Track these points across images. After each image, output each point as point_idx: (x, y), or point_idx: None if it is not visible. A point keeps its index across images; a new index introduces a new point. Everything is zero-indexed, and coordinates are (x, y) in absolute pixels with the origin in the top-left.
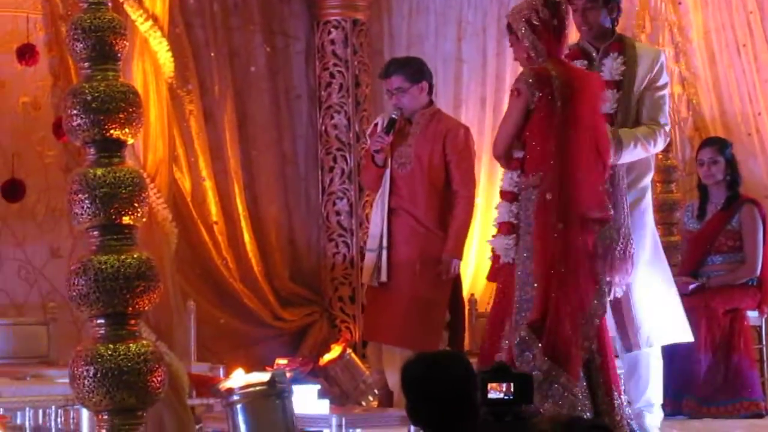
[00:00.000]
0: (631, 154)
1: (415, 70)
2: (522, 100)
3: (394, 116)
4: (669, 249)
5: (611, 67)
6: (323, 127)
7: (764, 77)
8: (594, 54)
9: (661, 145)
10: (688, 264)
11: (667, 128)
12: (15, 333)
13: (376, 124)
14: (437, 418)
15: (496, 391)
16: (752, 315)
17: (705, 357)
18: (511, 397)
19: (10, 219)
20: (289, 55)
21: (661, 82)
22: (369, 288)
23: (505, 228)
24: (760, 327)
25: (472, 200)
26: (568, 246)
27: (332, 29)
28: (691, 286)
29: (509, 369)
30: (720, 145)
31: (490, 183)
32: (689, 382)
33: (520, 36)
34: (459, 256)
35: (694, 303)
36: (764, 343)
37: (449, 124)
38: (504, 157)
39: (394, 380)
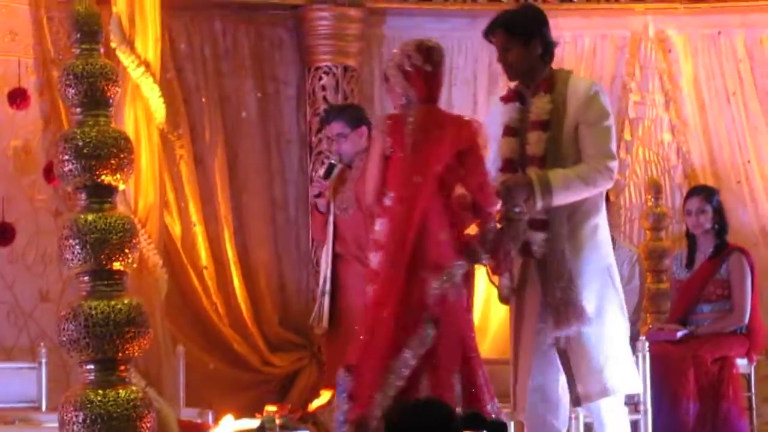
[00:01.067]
0: (566, 196)
1: (354, 116)
2: (377, 147)
3: (332, 162)
4: (658, 297)
5: (538, 107)
6: (314, 172)
7: (754, 125)
8: (526, 94)
9: (603, 182)
10: (677, 312)
11: (611, 163)
12: (4, 376)
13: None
14: None
15: None
16: (741, 363)
17: (693, 406)
18: None
19: None
20: (279, 101)
21: (595, 116)
22: (324, 334)
23: None
24: (749, 375)
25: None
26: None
27: (323, 75)
28: (680, 333)
29: (483, 417)
30: (707, 194)
31: None
32: (677, 431)
33: (392, 82)
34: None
35: (682, 351)
36: (753, 391)
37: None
38: (375, 205)
39: None
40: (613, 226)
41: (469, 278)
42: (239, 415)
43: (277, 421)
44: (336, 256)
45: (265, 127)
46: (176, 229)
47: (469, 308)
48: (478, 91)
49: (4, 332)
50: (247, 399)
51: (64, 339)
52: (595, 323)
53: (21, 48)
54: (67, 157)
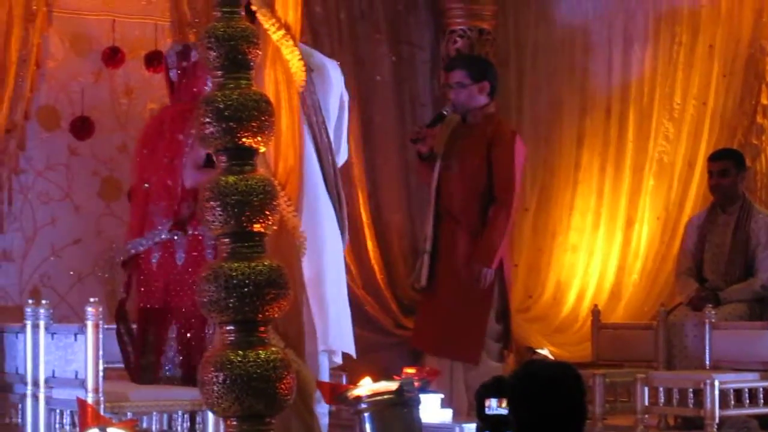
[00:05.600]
0: None
1: (480, 69)
2: None
3: (444, 112)
4: None
5: None
6: None
7: None
8: None
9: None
10: None
11: None
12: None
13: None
14: (554, 430)
15: (494, 407)
16: None
17: None
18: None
19: None
20: (414, 65)
21: None
22: (421, 293)
23: None
24: None
25: (509, 207)
26: None
27: (458, 38)
28: None
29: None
30: None
31: (614, 194)
32: None
33: None
34: (489, 264)
35: None
36: None
37: (499, 129)
38: None
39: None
40: (749, 191)
41: None
42: (375, 377)
43: (416, 384)
44: (438, 215)
45: (399, 91)
46: None
47: None
48: (612, 55)
49: None
50: (378, 361)
51: (205, 300)
52: None
53: (158, 11)
54: (208, 120)
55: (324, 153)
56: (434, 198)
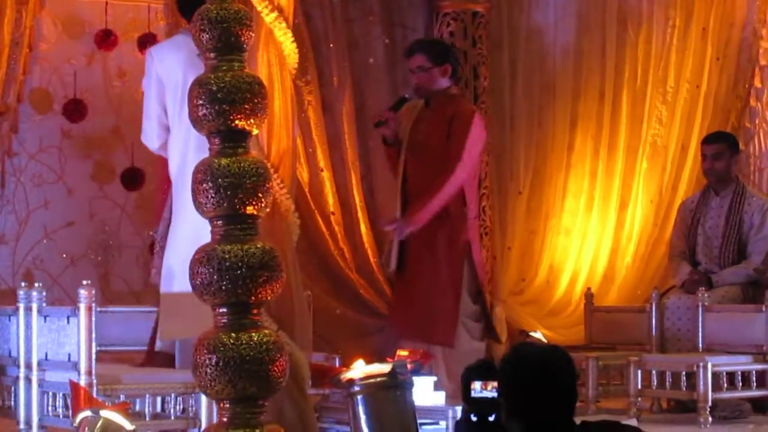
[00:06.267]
0: None
1: (440, 52)
2: None
3: (406, 96)
4: None
5: None
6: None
7: None
8: None
9: None
10: None
11: None
12: (136, 320)
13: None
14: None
15: (479, 389)
16: None
17: None
18: (497, 395)
19: (128, 207)
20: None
21: None
22: (393, 277)
23: None
24: None
25: (449, 175)
26: None
27: (451, 21)
28: None
29: (494, 366)
30: None
31: (608, 177)
32: None
33: None
34: (410, 221)
35: None
36: None
37: (459, 107)
38: None
39: None
40: (743, 174)
41: None
42: (368, 360)
43: (409, 366)
44: (406, 199)
45: (392, 74)
46: (304, 175)
47: None
48: (606, 37)
49: (133, 276)
50: (372, 344)
51: (197, 282)
52: None
53: None
54: (201, 102)
55: None
56: (401, 183)
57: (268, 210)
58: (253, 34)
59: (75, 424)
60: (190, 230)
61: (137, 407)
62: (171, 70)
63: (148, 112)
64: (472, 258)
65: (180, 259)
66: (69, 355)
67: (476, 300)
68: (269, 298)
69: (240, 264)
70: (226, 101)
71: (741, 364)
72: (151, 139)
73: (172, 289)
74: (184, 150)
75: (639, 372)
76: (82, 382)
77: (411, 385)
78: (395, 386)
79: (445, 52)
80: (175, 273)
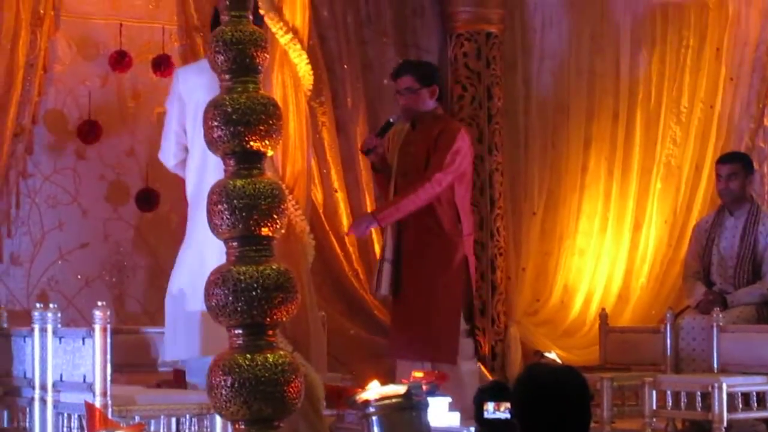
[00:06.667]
0: None
1: (427, 73)
2: None
3: (391, 120)
4: None
5: None
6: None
7: None
8: None
9: None
10: None
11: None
12: (146, 341)
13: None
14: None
15: (492, 410)
16: None
17: None
18: (510, 416)
19: (142, 228)
20: None
21: None
22: (391, 301)
23: None
24: None
25: (433, 186)
26: None
27: (465, 42)
28: None
29: (507, 387)
30: None
31: (622, 198)
32: None
33: None
34: (377, 217)
35: None
36: None
37: (447, 125)
38: None
39: None
40: (757, 194)
41: None
42: (383, 381)
43: (424, 387)
44: (398, 222)
45: None
46: (318, 196)
47: None
48: (620, 58)
49: (147, 296)
50: (386, 365)
51: (213, 304)
52: None
53: (165, 15)
54: (216, 124)
55: None
56: None
57: (283, 231)
58: (268, 56)
59: None
60: (195, 253)
61: (152, 428)
62: (192, 92)
63: (167, 131)
64: (469, 275)
65: (185, 282)
66: (84, 376)
67: (468, 318)
68: (284, 319)
69: (255, 285)
70: (241, 122)
71: (756, 384)
72: (167, 157)
73: (177, 310)
74: (201, 171)
75: (654, 393)
76: (98, 403)
77: (426, 406)
78: (410, 407)
79: (432, 73)
80: (178, 295)
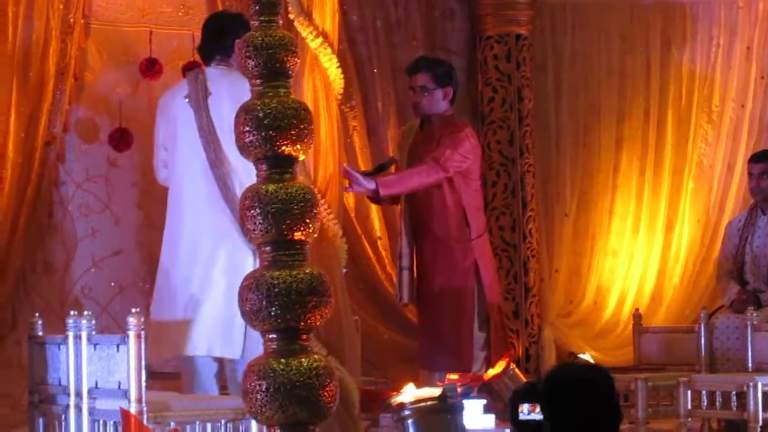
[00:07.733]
0: None
1: (444, 73)
2: None
3: (393, 158)
4: None
5: None
6: (486, 142)
7: None
8: None
9: None
10: None
11: None
12: None
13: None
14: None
15: (527, 412)
16: None
17: None
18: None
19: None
20: None
21: None
22: (415, 309)
23: None
24: None
25: (438, 172)
26: None
27: (494, 44)
28: None
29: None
30: None
31: (654, 198)
32: None
33: None
34: (381, 189)
35: None
36: None
37: (454, 127)
38: None
39: None
40: None
41: None
42: (419, 384)
43: (459, 390)
44: (413, 229)
45: None
46: (350, 200)
47: None
48: (651, 58)
49: None
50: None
51: (247, 309)
52: None
53: (194, 22)
54: (247, 129)
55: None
56: (405, 213)
57: (315, 235)
58: (298, 60)
59: None
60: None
61: None
62: (167, 111)
63: (155, 150)
64: (481, 280)
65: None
66: (119, 382)
67: (483, 327)
68: (318, 323)
69: (289, 290)
70: (272, 127)
71: None
72: (156, 172)
73: (162, 315)
74: (177, 181)
75: (689, 392)
76: (133, 410)
77: (461, 408)
78: (445, 410)
79: (449, 74)
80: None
